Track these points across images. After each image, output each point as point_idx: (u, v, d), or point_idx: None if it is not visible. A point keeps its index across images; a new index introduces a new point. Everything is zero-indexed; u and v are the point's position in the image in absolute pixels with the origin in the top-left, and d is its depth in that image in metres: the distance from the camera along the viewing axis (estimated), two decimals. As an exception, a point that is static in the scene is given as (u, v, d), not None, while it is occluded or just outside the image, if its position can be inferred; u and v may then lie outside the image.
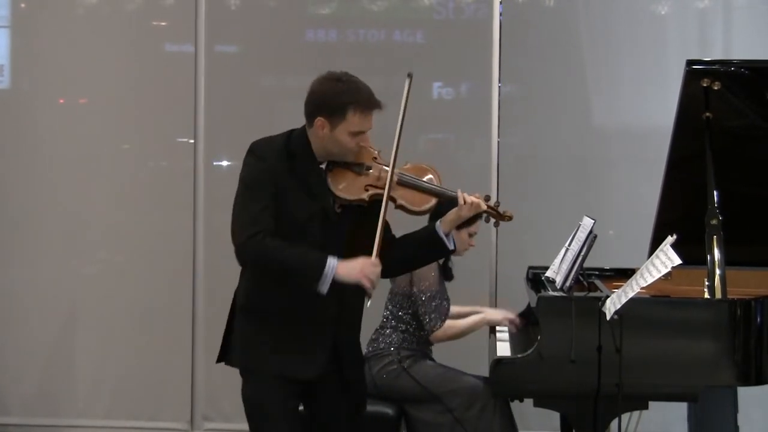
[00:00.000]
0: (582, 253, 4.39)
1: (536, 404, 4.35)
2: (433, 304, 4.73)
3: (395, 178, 3.71)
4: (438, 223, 3.80)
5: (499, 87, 6.04)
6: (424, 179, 3.80)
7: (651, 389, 4.21)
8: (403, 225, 3.89)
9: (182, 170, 6.21)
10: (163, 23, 6.32)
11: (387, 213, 3.68)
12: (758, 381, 4.18)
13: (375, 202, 3.69)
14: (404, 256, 3.87)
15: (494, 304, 5.91)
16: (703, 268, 4.36)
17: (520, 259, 5.56)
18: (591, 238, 4.39)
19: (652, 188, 4.93)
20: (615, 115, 6.09)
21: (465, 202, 3.76)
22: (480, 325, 4.95)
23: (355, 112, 3.67)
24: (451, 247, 3.82)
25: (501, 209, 3.85)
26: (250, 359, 3.79)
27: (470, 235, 4.84)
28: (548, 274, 4.88)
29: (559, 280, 4.59)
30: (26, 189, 6.29)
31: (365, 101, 3.70)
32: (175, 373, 6.21)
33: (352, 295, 3.73)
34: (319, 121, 3.68)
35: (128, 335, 6.23)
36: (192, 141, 6.21)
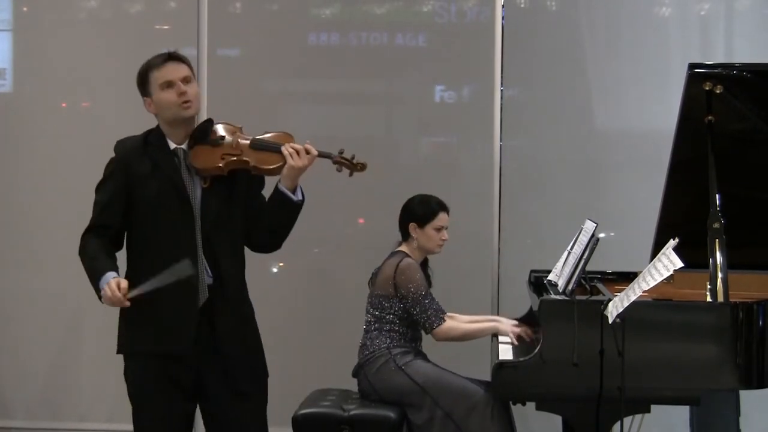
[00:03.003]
0: (584, 257, 4.39)
1: (538, 408, 4.35)
2: (426, 302, 4.72)
3: (247, 142, 3.94)
4: (278, 181, 3.96)
5: (502, 90, 6.04)
6: (275, 141, 3.98)
7: (653, 392, 4.21)
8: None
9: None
10: (166, 27, 6.33)
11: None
12: (760, 384, 4.17)
13: (233, 170, 3.90)
14: (266, 223, 4.00)
15: (496, 306, 5.92)
16: (705, 271, 4.35)
17: (522, 262, 5.56)
18: (593, 241, 4.39)
19: (654, 191, 4.93)
20: (617, 118, 6.10)
21: (288, 153, 3.90)
22: (488, 332, 4.91)
23: (152, 71, 3.96)
24: (297, 198, 3.95)
25: (355, 160, 4.06)
26: (125, 341, 3.95)
27: (437, 230, 4.84)
28: (550, 277, 4.89)
29: (561, 283, 4.59)
30: (29, 192, 6.30)
31: (156, 59, 3.99)
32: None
33: (227, 266, 3.88)
34: (145, 102, 4.02)
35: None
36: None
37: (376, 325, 4.78)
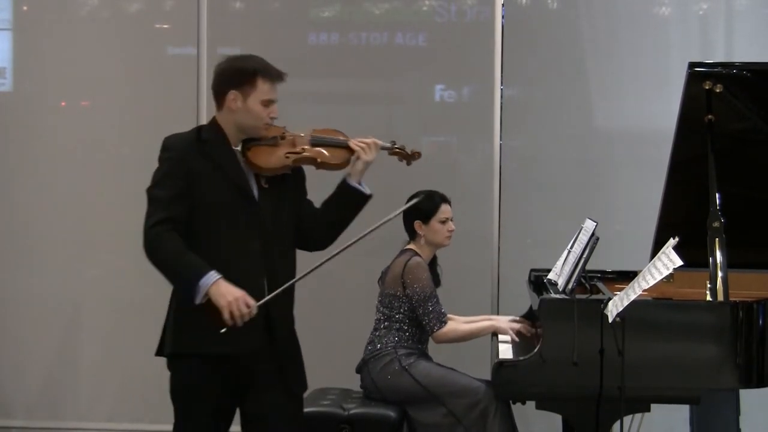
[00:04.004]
0: (584, 256, 4.39)
1: (538, 407, 4.35)
2: (429, 305, 4.73)
3: (308, 139, 3.92)
4: (346, 175, 3.95)
5: (502, 89, 6.04)
6: (335, 137, 3.99)
7: (653, 392, 4.21)
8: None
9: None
10: (166, 26, 6.33)
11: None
12: (760, 383, 4.17)
13: (298, 167, 3.90)
14: (331, 223, 3.98)
15: (496, 306, 5.92)
16: (705, 270, 4.36)
17: (522, 261, 5.57)
18: (593, 240, 4.39)
19: (654, 191, 4.93)
20: (617, 117, 6.10)
21: (360, 147, 3.92)
22: (487, 331, 4.92)
23: (264, 79, 3.83)
24: (367, 192, 3.95)
25: (409, 149, 4.09)
26: (179, 343, 3.79)
27: (442, 223, 4.85)
28: (550, 276, 4.89)
29: (561, 282, 4.59)
30: (28, 191, 6.30)
31: (272, 70, 3.87)
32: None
33: (282, 267, 3.82)
34: (231, 94, 3.84)
35: (131, 338, 6.22)
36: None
37: (386, 323, 4.79)
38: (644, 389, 4.14)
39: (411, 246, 4.88)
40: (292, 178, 3.91)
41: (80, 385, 6.30)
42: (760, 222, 4.84)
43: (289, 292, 3.89)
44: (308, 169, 3.98)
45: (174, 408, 3.90)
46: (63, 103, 6.35)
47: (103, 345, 6.28)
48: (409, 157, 4.11)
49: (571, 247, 4.67)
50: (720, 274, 4.28)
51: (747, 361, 4.14)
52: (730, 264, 4.33)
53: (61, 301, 6.29)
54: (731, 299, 4.22)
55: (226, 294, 3.61)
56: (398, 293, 4.76)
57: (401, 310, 4.77)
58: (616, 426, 4.11)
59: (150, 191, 3.84)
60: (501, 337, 4.84)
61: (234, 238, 3.76)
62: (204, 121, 6.16)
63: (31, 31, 6.40)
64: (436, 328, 4.73)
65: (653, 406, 4.28)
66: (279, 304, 3.81)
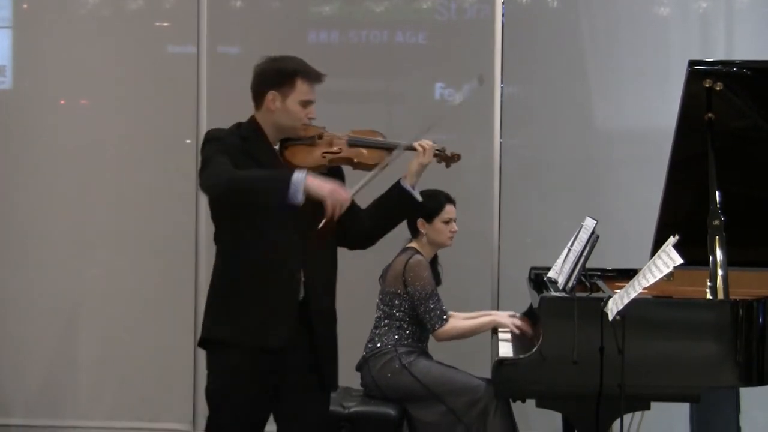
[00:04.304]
0: (584, 254, 4.40)
1: (538, 405, 4.35)
2: (431, 303, 4.73)
3: (345, 140, 3.95)
4: (401, 177, 3.97)
5: (502, 88, 6.04)
6: (373, 137, 4.03)
7: (653, 390, 4.21)
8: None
9: (184, 171, 6.21)
10: (165, 24, 6.32)
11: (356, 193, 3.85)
12: (760, 381, 4.17)
13: (334, 167, 3.92)
14: (378, 220, 4.01)
15: (496, 304, 5.92)
16: (705, 268, 4.36)
17: (523, 259, 5.56)
18: (593, 238, 4.39)
19: (654, 189, 4.93)
20: (617, 116, 6.10)
21: (423, 149, 3.97)
22: (487, 326, 4.92)
23: (303, 80, 3.87)
24: (419, 198, 3.98)
25: (449, 152, 4.10)
26: (217, 332, 3.83)
27: (446, 223, 4.85)
28: (550, 274, 4.89)
29: (561, 280, 4.59)
30: (28, 189, 6.30)
31: (311, 70, 3.91)
32: (177, 373, 6.21)
33: (321, 262, 3.84)
34: (270, 95, 3.86)
35: (130, 336, 6.23)
36: (194, 141, 6.21)
37: (386, 321, 4.79)
38: (644, 387, 4.14)
39: (412, 244, 4.88)
40: (332, 177, 3.86)
41: (80, 383, 6.30)
42: (760, 220, 4.84)
43: (331, 291, 3.92)
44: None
45: (209, 403, 3.89)
46: (62, 102, 6.35)
47: (102, 343, 6.28)
48: (448, 159, 4.11)
49: (572, 246, 4.67)
50: (720, 272, 4.28)
51: (747, 359, 4.14)
52: (730, 262, 4.33)
53: (61, 300, 6.29)
54: (731, 297, 4.22)
55: (324, 182, 3.65)
56: (399, 291, 4.77)
57: (402, 309, 4.77)
58: (616, 424, 4.11)
59: (204, 166, 3.78)
60: (501, 335, 4.83)
61: (273, 235, 3.77)
62: (204, 119, 6.19)
63: (31, 29, 6.40)
64: (437, 326, 4.74)
65: (653, 404, 4.27)
66: (315, 300, 3.83)
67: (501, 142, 6.03)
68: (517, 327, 4.75)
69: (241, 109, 6.12)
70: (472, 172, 6.08)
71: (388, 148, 3.97)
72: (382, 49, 6.20)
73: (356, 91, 6.36)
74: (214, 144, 3.80)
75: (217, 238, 3.95)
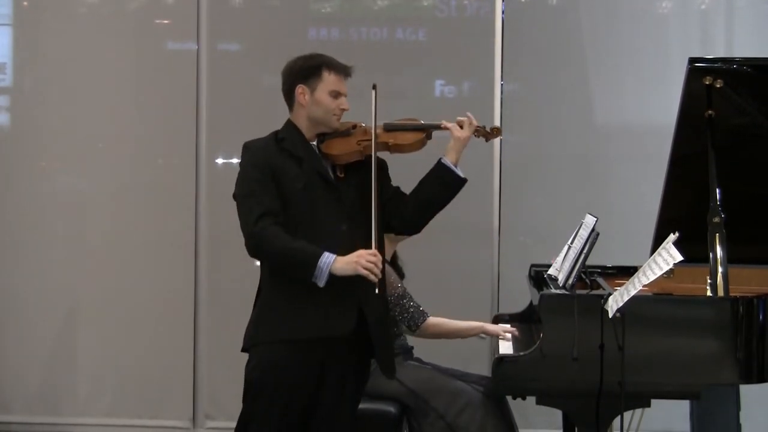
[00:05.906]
0: (584, 251, 4.39)
1: (538, 402, 4.34)
2: (404, 302, 4.67)
3: (381, 126, 3.99)
4: (443, 156, 4.00)
5: (502, 85, 6.04)
6: (410, 122, 4.08)
7: (653, 387, 4.20)
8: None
9: (184, 168, 6.21)
10: (165, 21, 6.32)
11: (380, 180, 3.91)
12: (760, 379, 4.17)
13: (369, 155, 3.92)
14: (421, 201, 4.01)
15: (496, 301, 5.92)
16: (705, 265, 4.36)
17: (523, 256, 5.56)
18: (593, 236, 4.39)
19: (655, 186, 4.93)
20: (617, 113, 6.10)
21: (461, 125, 4.03)
22: (474, 331, 4.85)
23: (329, 71, 3.95)
24: (461, 175, 3.99)
25: (489, 127, 4.16)
26: (278, 330, 3.86)
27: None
28: (551, 271, 4.88)
29: (561, 277, 4.59)
30: (27, 187, 6.30)
31: (337, 62, 3.99)
32: (177, 371, 6.22)
33: (366, 248, 3.83)
34: (299, 89, 3.93)
35: (130, 333, 6.23)
36: (194, 139, 6.21)
37: None
38: (644, 384, 4.13)
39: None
40: (369, 167, 3.90)
41: (79, 381, 6.30)
42: (761, 217, 4.84)
43: (381, 281, 3.90)
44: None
45: (251, 402, 3.91)
46: (63, 99, 6.34)
47: (101, 340, 6.28)
48: (488, 135, 4.15)
49: (572, 243, 4.66)
50: (720, 269, 4.27)
51: (747, 357, 4.14)
52: (731, 259, 4.33)
53: (60, 297, 6.28)
54: (731, 294, 4.22)
55: (348, 261, 3.73)
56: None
57: None
58: (617, 421, 4.10)
59: (239, 193, 3.89)
60: (500, 333, 4.82)
61: (320, 228, 3.84)
62: (203, 118, 6.19)
63: (31, 26, 6.39)
64: (420, 321, 4.68)
65: (653, 401, 4.27)
66: (367, 292, 3.85)
67: (501, 139, 6.02)
68: (507, 331, 4.72)
69: (242, 107, 6.18)
70: (472, 168, 6.05)
71: (424, 129, 4.03)
72: (382, 46, 6.20)
73: (356, 87, 6.34)
74: (246, 158, 3.91)
75: None
